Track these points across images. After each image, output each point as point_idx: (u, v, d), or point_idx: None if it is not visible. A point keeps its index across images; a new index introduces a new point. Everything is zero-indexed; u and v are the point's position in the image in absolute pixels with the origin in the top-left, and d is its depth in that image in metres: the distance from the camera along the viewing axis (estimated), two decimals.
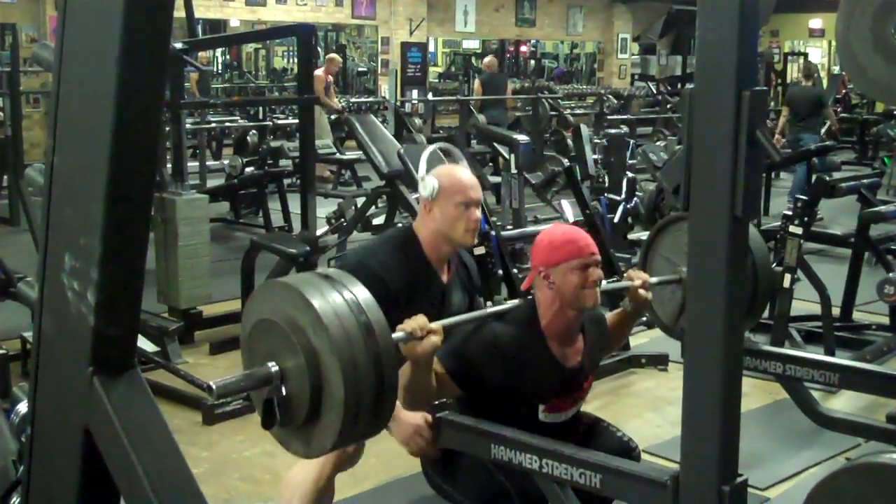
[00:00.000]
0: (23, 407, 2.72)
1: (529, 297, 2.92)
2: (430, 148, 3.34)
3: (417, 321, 2.44)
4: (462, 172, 3.19)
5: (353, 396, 1.87)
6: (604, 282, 2.92)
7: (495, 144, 10.25)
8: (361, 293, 1.97)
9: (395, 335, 2.26)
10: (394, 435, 2.89)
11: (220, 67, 22.11)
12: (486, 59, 16.19)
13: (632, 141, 12.12)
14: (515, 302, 2.96)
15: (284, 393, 1.92)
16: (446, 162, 3.45)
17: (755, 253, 3.21)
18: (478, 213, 3.10)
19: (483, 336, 2.81)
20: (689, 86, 2.15)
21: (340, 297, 1.92)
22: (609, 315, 3.19)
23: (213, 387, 1.88)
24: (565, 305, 2.82)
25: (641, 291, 3.04)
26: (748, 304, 3.20)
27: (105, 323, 1.88)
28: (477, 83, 14.79)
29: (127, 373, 1.94)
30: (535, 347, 2.84)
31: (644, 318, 5.94)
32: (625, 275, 3.16)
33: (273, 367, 1.93)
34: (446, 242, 3.12)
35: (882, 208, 6.40)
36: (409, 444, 2.87)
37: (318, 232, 6.70)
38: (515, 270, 5.54)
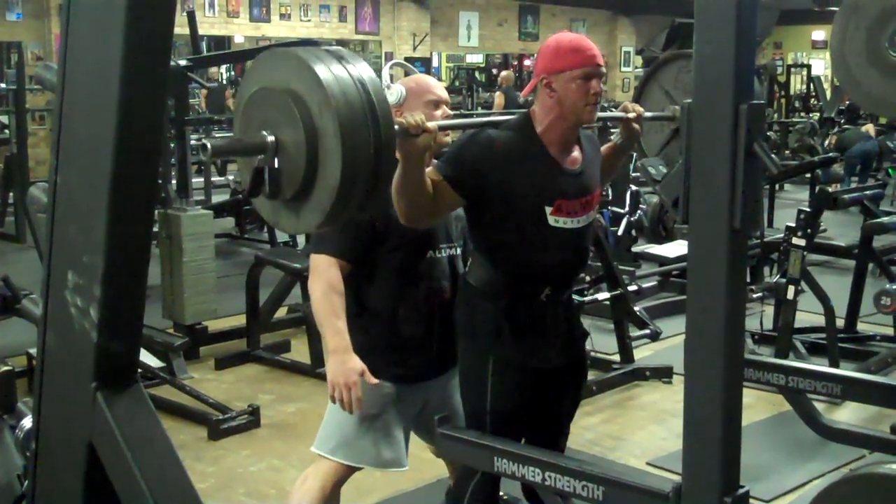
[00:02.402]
0: (27, 422, 2.73)
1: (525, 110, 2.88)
2: (389, 63, 3.34)
3: (415, 117, 2.39)
4: (426, 76, 3.20)
5: (349, 170, 1.80)
6: (601, 114, 2.90)
7: None
8: (364, 69, 1.88)
9: None
10: (327, 367, 2.91)
11: (225, 83, 22.16)
12: (504, 73, 16.16)
13: (634, 154, 12.12)
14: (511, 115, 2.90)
15: (277, 165, 1.85)
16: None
17: None
18: (448, 111, 3.10)
19: (479, 139, 2.76)
20: (687, 100, 2.18)
21: (344, 70, 1.84)
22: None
23: (208, 145, 1.82)
24: (563, 116, 2.78)
25: (635, 125, 3.00)
26: None
27: (108, 339, 1.90)
28: (500, 96, 14.77)
29: (130, 388, 1.96)
30: (533, 149, 2.80)
31: (648, 330, 5.99)
32: (621, 106, 3.12)
33: (269, 136, 1.86)
34: None
35: (885, 219, 6.40)
36: (333, 389, 2.88)
37: None
38: None
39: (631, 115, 3.00)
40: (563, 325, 2.97)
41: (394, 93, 3.08)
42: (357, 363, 2.91)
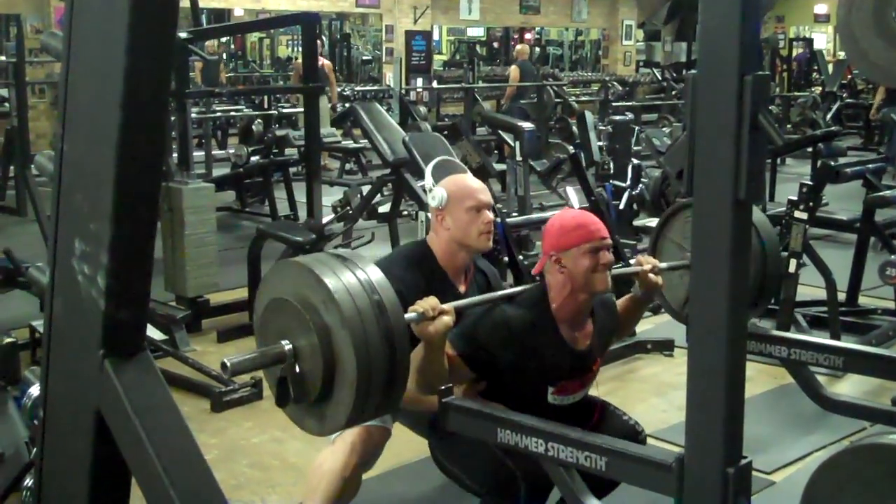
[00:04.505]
0: (35, 390, 2.76)
1: (539, 281, 2.93)
2: (433, 162, 3.35)
3: (429, 302, 2.47)
4: (469, 178, 3.23)
5: (365, 372, 1.89)
6: (614, 271, 2.93)
7: (500, 132, 10.23)
8: (374, 273, 1.98)
9: (407, 315, 2.28)
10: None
11: (224, 57, 22.11)
12: (520, 47, 16.08)
13: (637, 127, 12.12)
14: (527, 286, 2.96)
15: (298, 370, 1.94)
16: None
17: (764, 239, 3.21)
18: (490, 215, 3.12)
19: (494, 318, 2.82)
20: (691, 71, 2.18)
21: (353, 276, 1.94)
22: (619, 301, 3.20)
23: (228, 364, 1.90)
24: (576, 289, 2.83)
25: (651, 276, 3.05)
26: (757, 292, 3.22)
27: (115, 306, 1.91)
28: (515, 70, 14.67)
29: (137, 356, 1.97)
30: (546, 330, 2.85)
31: (651, 304, 6.00)
32: (634, 260, 3.16)
33: (286, 345, 1.95)
34: (462, 250, 3.13)
35: (887, 193, 6.39)
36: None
37: (324, 220, 6.73)
38: (521, 257, 5.55)
39: (646, 266, 3.04)
40: None
41: (435, 196, 3.10)
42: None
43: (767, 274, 3.26)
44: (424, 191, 3.18)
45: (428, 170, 3.27)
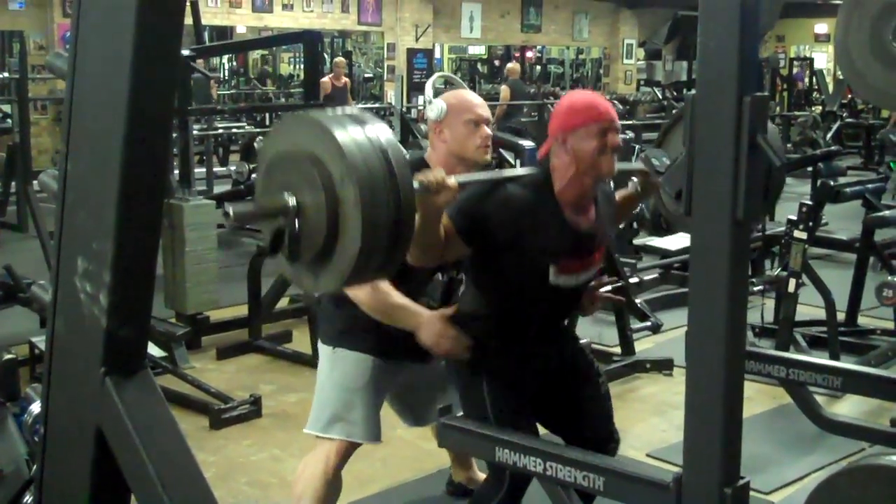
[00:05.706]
0: (36, 407, 2.76)
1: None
2: (433, 77, 3.34)
3: (436, 174, 2.42)
4: (468, 93, 3.21)
5: (369, 237, 1.82)
6: (618, 165, 2.87)
7: (501, 150, 10.25)
8: (385, 133, 1.91)
9: None
10: (423, 340, 2.91)
11: (226, 74, 22.16)
12: (510, 65, 16.07)
13: (637, 146, 12.13)
14: (530, 169, 2.90)
15: (298, 227, 1.88)
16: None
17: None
18: (487, 129, 3.10)
19: (495, 195, 2.75)
20: (691, 91, 2.19)
21: (364, 136, 1.86)
22: (616, 194, 3.16)
23: (231, 212, 1.85)
24: (581, 171, 2.76)
25: (654, 178, 3.01)
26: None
27: (117, 324, 1.91)
28: (506, 90, 14.68)
29: (138, 373, 1.98)
30: (548, 209, 2.79)
31: (649, 323, 6.01)
32: (641, 156, 3.11)
33: (290, 199, 1.88)
34: (459, 163, 3.09)
35: (886, 213, 6.41)
36: (438, 347, 2.90)
37: None
38: None
39: None
40: (553, 341, 3.03)
41: (434, 108, 3.10)
42: (428, 314, 2.92)
43: (770, 180, 3.15)
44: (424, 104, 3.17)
45: (429, 83, 3.28)
